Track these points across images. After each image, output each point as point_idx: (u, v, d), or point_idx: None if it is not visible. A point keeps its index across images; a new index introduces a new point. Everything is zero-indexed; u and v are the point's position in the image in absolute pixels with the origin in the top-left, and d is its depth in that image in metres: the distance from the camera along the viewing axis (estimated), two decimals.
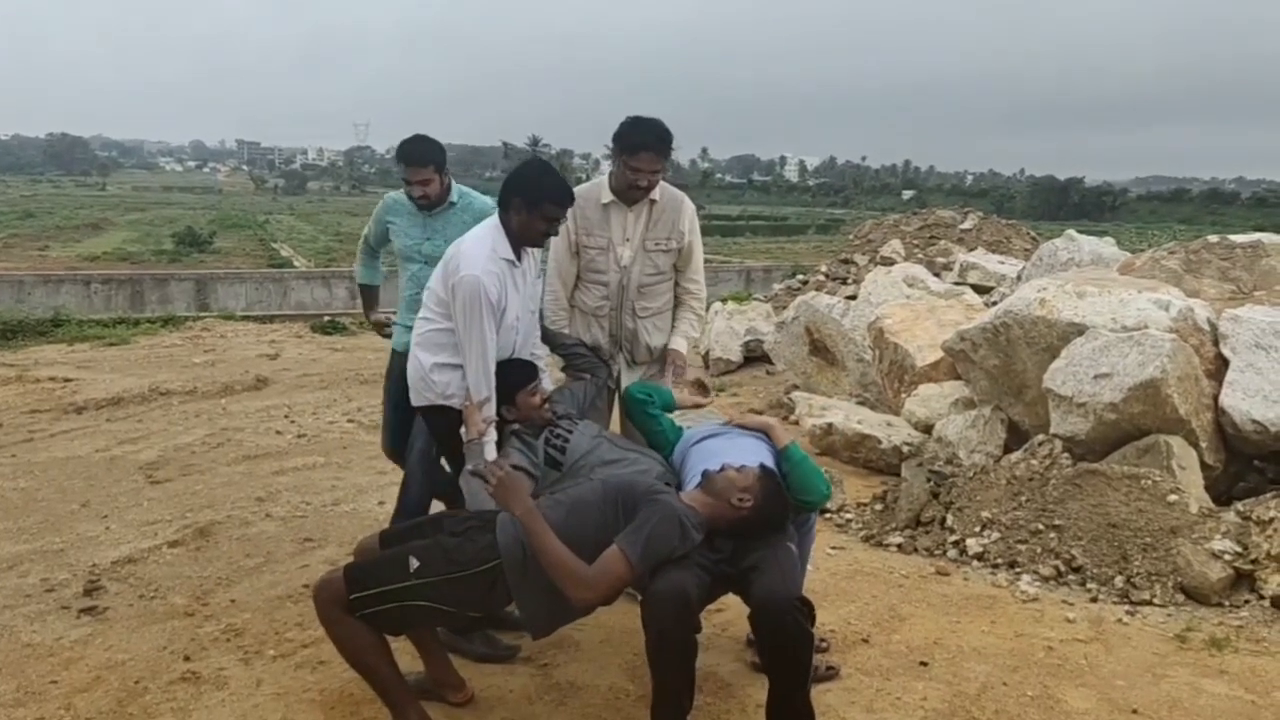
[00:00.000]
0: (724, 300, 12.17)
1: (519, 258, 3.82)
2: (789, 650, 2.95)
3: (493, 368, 3.67)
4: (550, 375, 4.18)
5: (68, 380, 9.03)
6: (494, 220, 3.81)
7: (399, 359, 4.42)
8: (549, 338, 4.24)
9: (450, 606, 3.10)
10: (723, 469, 3.21)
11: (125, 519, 5.35)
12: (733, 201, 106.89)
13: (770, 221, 73.50)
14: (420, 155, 4.39)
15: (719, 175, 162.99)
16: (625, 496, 3.12)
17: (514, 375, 3.73)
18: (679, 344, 4.69)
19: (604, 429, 3.92)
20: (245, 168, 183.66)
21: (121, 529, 5.19)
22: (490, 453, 3.64)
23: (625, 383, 4.47)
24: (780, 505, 3.23)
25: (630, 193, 4.25)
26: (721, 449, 3.51)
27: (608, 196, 4.30)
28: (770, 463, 3.48)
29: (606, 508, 3.11)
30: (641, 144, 4.16)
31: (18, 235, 42.12)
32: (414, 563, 3.06)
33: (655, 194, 4.30)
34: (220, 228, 48.47)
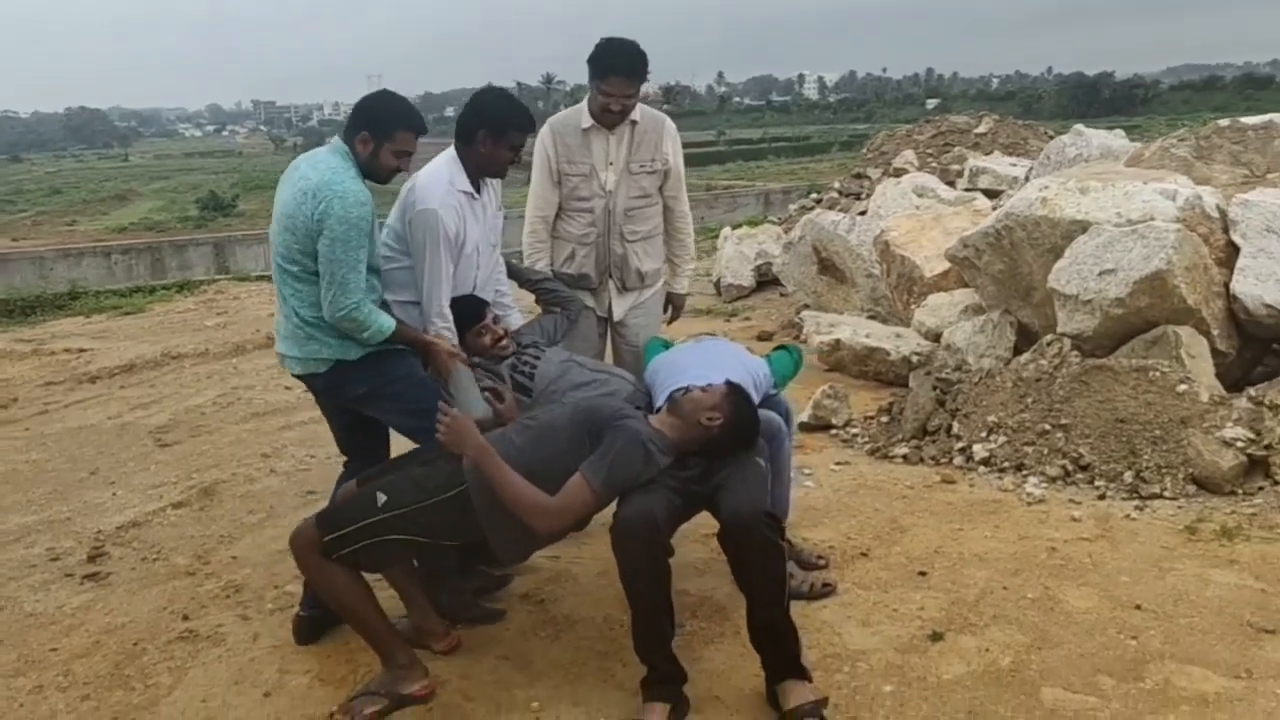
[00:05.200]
0: (735, 226, 11.99)
1: (478, 189, 3.75)
2: (759, 564, 2.91)
3: (446, 299, 3.61)
4: (518, 312, 4.14)
5: (82, 351, 9.09)
6: (450, 153, 3.74)
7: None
8: (516, 273, 4.18)
9: (423, 536, 3.07)
10: (688, 390, 3.15)
11: (132, 484, 5.39)
12: (753, 125, 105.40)
13: (792, 142, 72.44)
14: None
15: (737, 99, 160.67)
16: (592, 422, 3.08)
17: (461, 314, 3.67)
18: (682, 285, 4.68)
19: (573, 355, 3.87)
20: (263, 128, 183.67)
21: (128, 494, 5.22)
22: (470, 380, 3.56)
23: (617, 309, 4.43)
24: (750, 418, 3.17)
25: (605, 117, 4.17)
26: (688, 363, 3.48)
27: (587, 121, 4.22)
28: (741, 373, 3.42)
29: (574, 433, 3.07)
30: (612, 67, 4.07)
31: (46, 212, 42.56)
32: (381, 497, 3.04)
33: (635, 115, 4.22)
34: (243, 190, 48.55)
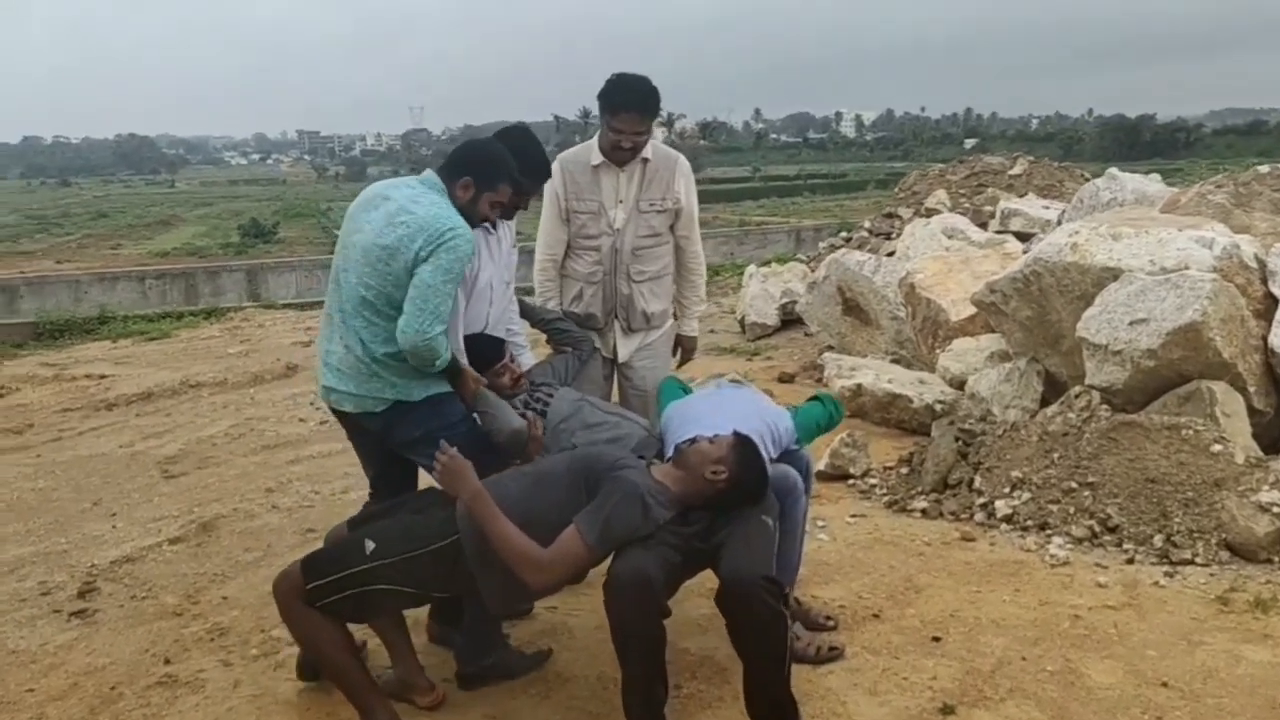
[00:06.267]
0: (763, 264, 11.85)
1: (493, 225, 3.64)
2: (758, 632, 2.75)
3: (459, 333, 3.48)
4: (530, 351, 4.02)
5: (102, 377, 9.08)
6: None
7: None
8: (529, 312, 4.07)
9: (411, 587, 2.95)
10: (695, 441, 3.00)
11: (133, 516, 5.30)
12: (789, 161, 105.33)
13: (828, 180, 72.17)
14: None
15: (774, 136, 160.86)
16: (590, 470, 2.94)
17: (478, 355, 3.54)
18: (691, 328, 4.56)
19: (585, 395, 3.74)
20: (307, 157, 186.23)
21: (127, 527, 5.13)
22: (497, 397, 3.45)
23: (622, 351, 4.31)
24: (757, 473, 3.01)
25: (616, 154, 4.07)
26: (702, 412, 3.32)
27: (598, 158, 4.13)
28: (757, 424, 3.27)
29: (572, 482, 2.94)
30: (623, 103, 3.99)
31: (91, 235, 43.13)
32: (369, 545, 2.91)
33: (647, 153, 4.12)
34: (284, 218, 49.03)
